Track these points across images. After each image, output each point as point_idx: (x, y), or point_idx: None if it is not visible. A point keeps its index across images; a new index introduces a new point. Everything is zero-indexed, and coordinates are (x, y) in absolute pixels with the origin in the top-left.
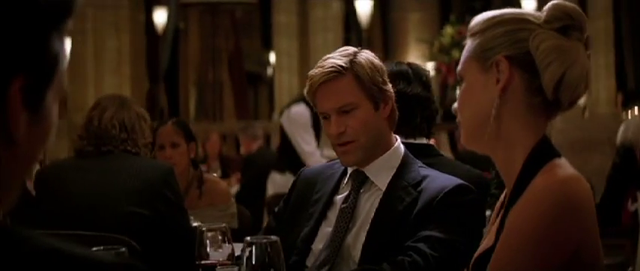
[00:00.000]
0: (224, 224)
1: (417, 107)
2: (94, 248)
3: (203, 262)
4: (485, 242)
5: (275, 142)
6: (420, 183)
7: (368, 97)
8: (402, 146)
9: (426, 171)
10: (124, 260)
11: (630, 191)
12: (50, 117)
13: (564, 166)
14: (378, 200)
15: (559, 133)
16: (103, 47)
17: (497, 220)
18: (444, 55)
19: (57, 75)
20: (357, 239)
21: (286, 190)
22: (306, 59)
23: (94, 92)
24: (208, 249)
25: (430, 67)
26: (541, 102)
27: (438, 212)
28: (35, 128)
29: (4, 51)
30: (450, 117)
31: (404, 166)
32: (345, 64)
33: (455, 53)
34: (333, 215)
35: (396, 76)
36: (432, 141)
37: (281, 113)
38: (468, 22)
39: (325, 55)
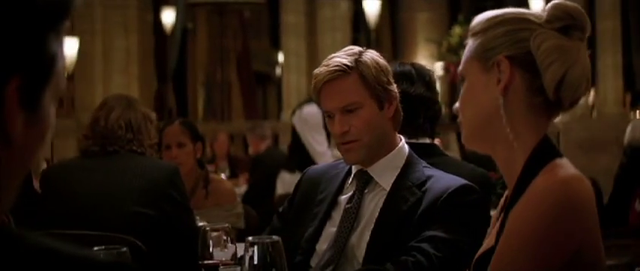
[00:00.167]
0: (227, 225)
1: (420, 107)
2: (95, 248)
3: (206, 262)
4: (487, 243)
5: (283, 142)
6: (424, 183)
7: (372, 97)
8: (406, 146)
9: (430, 171)
10: (117, 260)
11: (637, 191)
12: (48, 118)
13: (565, 166)
14: (382, 200)
15: (567, 133)
16: (111, 47)
17: (499, 220)
18: (453, 54)
19: (54, 75)
20: (361, 240)
21: None
22: (314, 59)
23: (102, 92)
24: (211, 249)
25: (438, 66)
26: (542, 102)
27: (442, 213)
28: (32, 128)
29: (1, 51)
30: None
31: (408, 166)
32: (350, 63)
33: (463, 53)
34: (337, 215)
35: (399, 76)
36: (437, 141)
37: (293, 113)
38: None
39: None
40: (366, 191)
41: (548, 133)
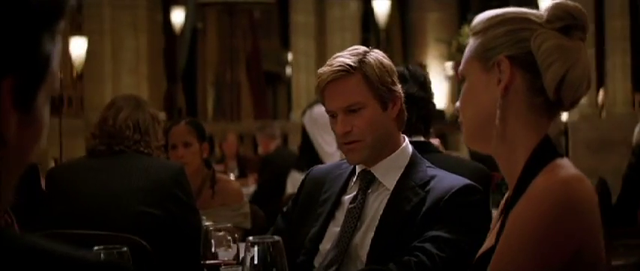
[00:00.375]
0: (229, 225)
1: (412, 106)
2: (95, 248)
3: (208, 262)
4: (487, 243)
5: (293, 142)
6: (427, 183)
7: (376, 97)
8: (410, 146)
9: (433, 171)
10: (109, 260)
11: None
12: (42, 118)
13: (566, 166)
14: (385, 200)
15: (575, 133)
16: (120, 47)
17: (499, 221)
18: (463, 54)
19: (48, 76)
20: (364, 239)
21: None
22: (323, 59)
23: (111, 92)
24: (213, 249)
25: (449, 66)
26: (543, 103)
27: (445, 213)
28: (26, 129)
29: None
30: None
31: (412, 166)
32: (354, 63)
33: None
34: (340, 215)
35: None
36: (435, 142)
37: (303, 113)
38: None
39: None
40: (369, 191)
41: (549, 133)
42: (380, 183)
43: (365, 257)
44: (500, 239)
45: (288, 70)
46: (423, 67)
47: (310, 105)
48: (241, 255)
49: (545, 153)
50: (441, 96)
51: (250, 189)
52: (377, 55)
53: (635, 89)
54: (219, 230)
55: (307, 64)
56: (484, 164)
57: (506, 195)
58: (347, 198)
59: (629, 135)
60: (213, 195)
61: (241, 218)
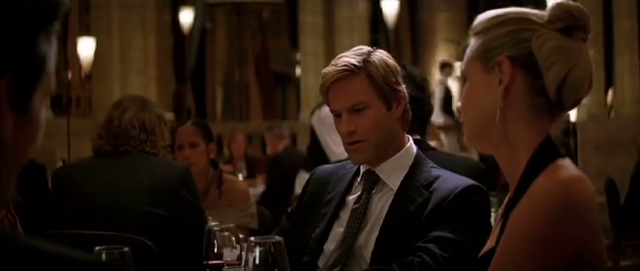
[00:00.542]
0: (232, 225)
1: None
2: (97, 248)
3: (210, 262)
4: (488, 243)
5: (301, 142)
6: (431, 183)
7: (380, 97)
8: (414, 146)
9: (438, 171)
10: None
11: None
12: (38, 119)
13: (567, 167)
14: (389, 200)
15: (584, 133)
16: (128, 47)
17: (500, 221)
18: None
19: (44, 76)
20: (368, 240)
21: None
22: (332, 59)
23: (119, 92)
24: (215, 249)
25: (458, 66)
26: (544, 103)
27: (449, 213)
28: (22, 129)
29: None
30: None
31: (416, 166)
32: (359, 63)
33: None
34: (345, 215)
35: None
36: (434, 144)
37: (311, 113)
38: None
39: None
40: (373, 191)
41: (550, 133)
42: (384, 183)
43: (369, 257)
44: (501, 239)
45: (298, 71)
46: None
47: (319, 106)
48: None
49: (547, 153)
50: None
51: (259, 189)
52: (381, 54)
53: None
54: (224, 231)
55: (316, 64)
56: (493, 164)
57: (507, 196)
58: (351, 198)
59: (638, 135)
60: (220, 196)
61: (248, 218)
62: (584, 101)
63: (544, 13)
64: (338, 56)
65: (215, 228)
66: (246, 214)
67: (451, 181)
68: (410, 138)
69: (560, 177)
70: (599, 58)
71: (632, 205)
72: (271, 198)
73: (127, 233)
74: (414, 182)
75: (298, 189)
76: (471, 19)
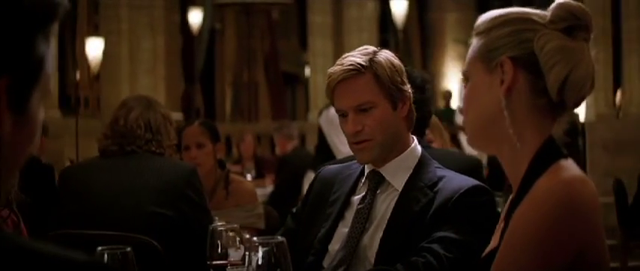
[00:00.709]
0: (236, 225)
1: None
2: (99, 248)
3: (214, 262)
4: (491, 244)
5: (310, 142)
6: (436, 183)
7: (386, 97)
8: (418, 146)
9: (442, 171)
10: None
11: None
12: (35, 119)
13: (569, 167)
14: (394, 200)
15: (592, 133)
16: (137, 48)
17: (503, 221)
18: None
19: (42, 77)
20: (373, 240)
21: None
22: None
23: (128, 93)
24: (220, 249)
25: None
26: (546, 104)
27: (453, 213)
28: (20, 129)
29: None
30: None
31: (420, 167)
32: (365, 62)
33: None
34: (350, 215)
35: None
36: (438, 143)
37: (319, 113)
38: None
39: None
40: (378, 191)
41: (553, 134)
42: (389, 183)
43: (373, 257)
44: (503, 239)
45: (307, 71)
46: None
47: (327, 106)
48: None
49: (549, 154)
50: (459, 96)
51: (267, 189)
52: (387, 54)
53: None
54: (229, 231)
55: (325, 64)
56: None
57: (510, 197)
58: (356, 198)
59: None
60: (227, 196)
61: (255, 218)
62: (593, 101)
63: (546, 13)
64: (343, 56)
65: (219, 228)
66: (253, 214)
67: (456, 181)
68: (415, 138)
69: (561, 178)
70: (608, 58)
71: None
72: (280, 198)
73: (133, 233)
74: (418, 182)
75: (306, 189)
76: None
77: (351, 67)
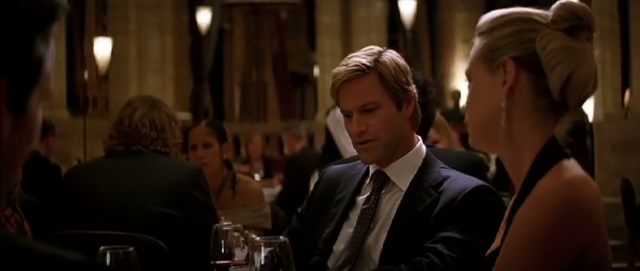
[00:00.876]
0: (240, 225)
1: None
2: (102, 248)
3: (217, 262)
4: (494, 244)
5: (319, 142)
6: (440, 184)
7: (391, 97)
8: (423, 147)
9: (447, 171)
10: (94, 260)
11: None
12: (34, 120)
13: (572, 168)
14: (399, 201)
15: (600, 133)
16: (146, 48)
17: (506, 221)
18: None
19: (41, 77)
20: (377, 240)
21: None
22: None
23: (136, 93)
24: (223, 249)
25: None
26: (548, 104)
27: (458, 214)
28: (20, 130)
29: None
30: None
31: (425, 167)
32: (369, 62)
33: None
34: (354, 215)
35: None
36: (441, 145)
37: (327, 113)
38: None
39: None
40: (383, 191)
41: (555, 134)
42: (393, 183)
43: (378, 258)
44: (505, 239)
45: (316, 71)
46: None
47: (334, 106)
48: None
49: (551, 154)
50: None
51: (276, 189)
52: (392, 54)
53: None
54: (234, 231)
55: (333, 64)
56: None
57: (513, 197)
58: (361, 198)
59: None
60: (233, 196)
61: (262, 218)
62: (601, 101)
63: (548, 13)
64: (348, 56)
65: (223, 228)
66: (259, 214)
67: (460, 182)
68: (419, 138)
69: (563, 178)
70: (616, 58)
71: None
72: (288, 198)
73: (139, 233)
74: (423, 182)
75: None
76: None
77: (355, 68)
